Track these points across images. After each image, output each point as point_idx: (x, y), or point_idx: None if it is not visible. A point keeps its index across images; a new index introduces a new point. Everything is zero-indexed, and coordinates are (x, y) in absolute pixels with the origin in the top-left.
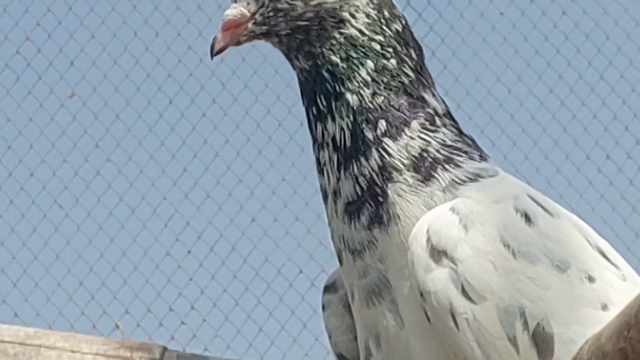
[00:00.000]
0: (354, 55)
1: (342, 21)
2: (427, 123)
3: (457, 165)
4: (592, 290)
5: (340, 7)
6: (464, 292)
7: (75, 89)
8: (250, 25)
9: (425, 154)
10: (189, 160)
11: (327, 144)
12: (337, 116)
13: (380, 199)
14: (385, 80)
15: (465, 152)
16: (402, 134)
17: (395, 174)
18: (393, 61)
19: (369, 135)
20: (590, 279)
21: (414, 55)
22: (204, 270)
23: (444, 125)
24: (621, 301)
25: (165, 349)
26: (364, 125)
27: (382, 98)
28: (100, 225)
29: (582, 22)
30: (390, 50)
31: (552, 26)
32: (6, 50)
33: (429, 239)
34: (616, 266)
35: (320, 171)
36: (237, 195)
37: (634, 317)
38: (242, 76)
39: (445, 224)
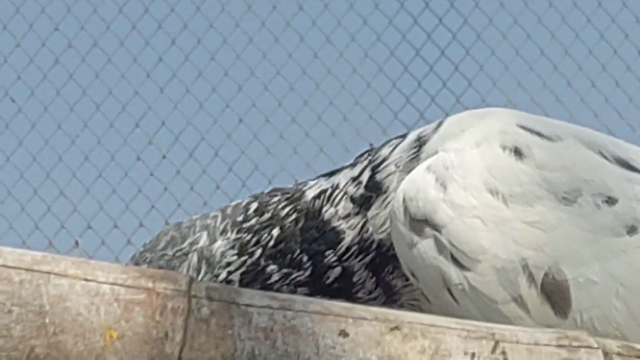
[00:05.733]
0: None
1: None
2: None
3: (387, 158)
4: (613, 214)
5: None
6: (454, 259)
7: None
8: None
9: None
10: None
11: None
12: None
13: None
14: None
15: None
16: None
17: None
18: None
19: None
20: (610, 201)
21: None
22: (181, 179)
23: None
24: None
25: (192, 279)
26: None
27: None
28: (59, 124)
29: None
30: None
31: None
32: None
33: (406, 210)
34: None
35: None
36: (222, 90)
37: None
38: None
39: (421, 186)
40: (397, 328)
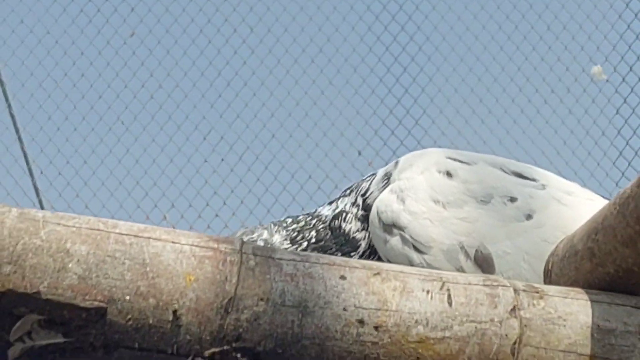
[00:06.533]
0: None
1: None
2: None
3: (369, 188)
4: (515, 208)
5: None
6: (415, 248)
7: (135, 30)
8: None
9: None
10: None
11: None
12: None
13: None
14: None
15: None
16: (350, 225)
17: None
18: (313, 233)
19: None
20: (512, 200)
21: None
22: (234, 175)
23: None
24: (543, 206)
25: (243, 242)
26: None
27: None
28: (153, 138)
29: None
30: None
31: None
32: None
33: (379, 219)
34: (534, 180)
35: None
36: (261, 115)
37: (601, 223)
38: None
39: (388, 203)
40: (378, 273)
